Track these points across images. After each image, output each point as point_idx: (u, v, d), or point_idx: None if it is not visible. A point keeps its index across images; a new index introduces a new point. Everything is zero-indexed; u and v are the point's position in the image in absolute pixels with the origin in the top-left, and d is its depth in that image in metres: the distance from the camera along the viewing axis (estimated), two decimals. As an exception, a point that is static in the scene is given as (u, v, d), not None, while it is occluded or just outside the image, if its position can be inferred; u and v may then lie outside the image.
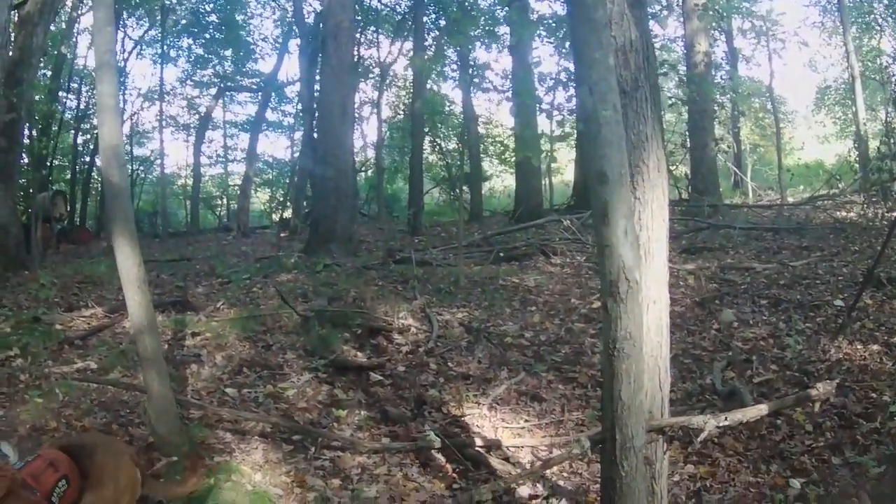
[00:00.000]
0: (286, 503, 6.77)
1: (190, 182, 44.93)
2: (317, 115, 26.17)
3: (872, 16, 37.08)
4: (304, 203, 32.42)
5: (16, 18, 22.75)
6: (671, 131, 37.22)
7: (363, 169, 44.23)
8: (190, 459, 7.31)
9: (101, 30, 7.50)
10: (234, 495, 6.74)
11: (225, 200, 48.74)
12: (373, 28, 38.20)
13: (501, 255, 16.61)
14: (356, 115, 36.88)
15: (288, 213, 36.08)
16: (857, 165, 28.09)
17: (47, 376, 9.92)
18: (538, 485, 7.03)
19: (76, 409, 8.81)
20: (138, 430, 8.21)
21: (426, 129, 34.73)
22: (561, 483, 7.09)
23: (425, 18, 33.45)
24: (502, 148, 39.50)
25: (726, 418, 4.98)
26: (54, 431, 8.25)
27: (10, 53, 21.46)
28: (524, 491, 6.97)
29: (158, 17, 39.71)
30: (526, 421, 8.58)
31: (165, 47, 41.51)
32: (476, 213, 31.65)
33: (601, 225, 4.49)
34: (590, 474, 7.13)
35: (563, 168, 43.76)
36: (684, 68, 30.16)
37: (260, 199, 46.81)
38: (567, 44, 28.72)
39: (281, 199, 42.71)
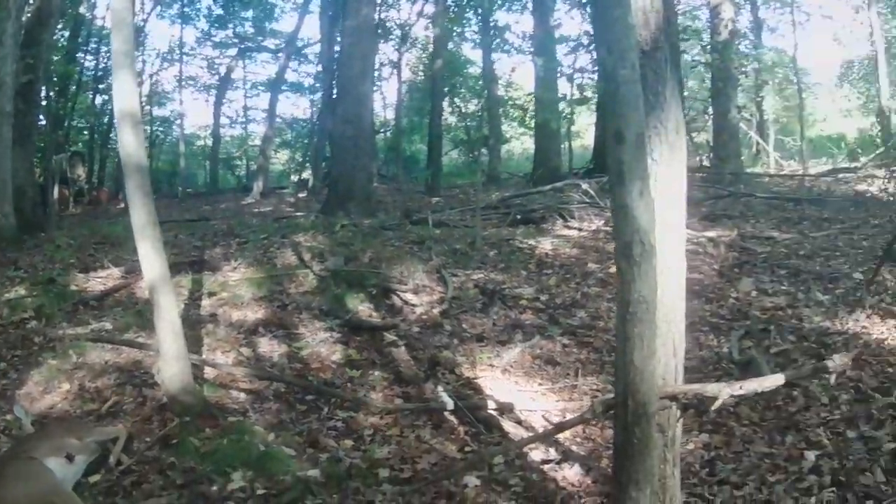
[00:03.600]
0: (299, 463, 6.78)
1: (209, 143, 44.92)
2: (337, 75, 26.07)
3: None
4: (323, 164, 32.35)
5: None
6: (694, 98, 37.10)
7: (382, 130, 44.11)
8: (204, 419, 7.33)
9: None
10: (247, 455, 6.75)
11: (244, 161, 48.71)
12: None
13: (518, 217, 16.53)
14: (376, 75, 36.68)
15: (307, 174, 36.03)
16: (879, 140, 27.96)
17: (61, 338, 9.99)
18: (551, 449, 7.00)
19: (90, 371, 8.84)
20: (151, 391, 8.25)
21: (446, 90, 34.59)
22: (574, 448, 7.06)
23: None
24: (522, 111, 39.39)
25: (741, 387, 4.91)
26: (67, 393, 8.34)
27: (28, 15, 21.47)
28: (536, 455, 6.95)
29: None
30: (540, 385, 8.55)
31: (185, 7, 41.43)
32: (494, 175, 31.59)
33: (617, 185, 4.43)
34: (603, 440, 7.09)
35: (584, 132, 43.65)
36: (708, 36, 30.02)
37: (279, 159, 46.79)
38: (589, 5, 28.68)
39: (300, 159, 42.63)
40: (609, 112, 4.55)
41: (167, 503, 6.18)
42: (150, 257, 7.33)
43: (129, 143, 7.32)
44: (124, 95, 7.42)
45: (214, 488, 6.36)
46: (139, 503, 6.23)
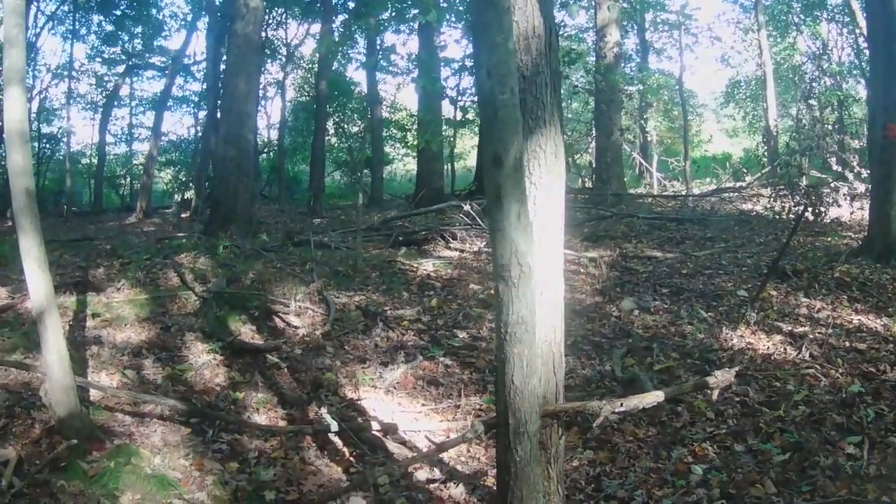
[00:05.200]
0: (185, 487, 6.75)
1: (95, 161, 44.41)
2: (221, 93, 25.97)
3: (790, 14, 37.60)
4: (206, 183, 32.17)
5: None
6: (577, 120, 37.71)
7: (265, 150, 44.05)
8: (91, 442, 7.28)
9: (9, 6, 7.42)
10: (133, 479, 6.69)
11: (129, 180, 48.20)
12: (281, 9, 37.93)
13: (401, 239, 16.62)
14: (260, 95, 36.65)
15: (190, 194, 35.78)
16: (765, 159, 28.64)
17: (-56, 357, 9.79)
18: (436, 469, 7.09)
19: (-23, 392, 8.70)
20: (40, 413, 8.14)
21: (330, 111, 34.70)
22: (458, 467, 7.15)
23: (334, 0, 33.10)
24: (405, 132, 39.65)
25: (622, 404, 5.01)
26: None
27: None
28: (422, 475, 7.03)
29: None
30: (423, 405, 8.63)
31: (76, 23, 41.04)
32: (377, 196, 31.82)
33: (494, 209, 4.52)
34: (487, 459, 7.20)
35: (467, 154, 44.02)
36: (593, 58, 30.41)
37: (163, 178, 46.35)
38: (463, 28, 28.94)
39: (184, 178, 42.35)
40: (487, 136, 4.64)
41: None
42: (37, 278, 7.25)
43: (17, 164, 7.23)
44: (14, 114, 7.34)
45: (104, 510, 6.28)
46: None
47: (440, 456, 7.15)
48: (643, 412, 6.85)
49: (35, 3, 37.19)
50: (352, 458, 7.38)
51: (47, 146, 43.34)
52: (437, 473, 7.02)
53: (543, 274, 4.91)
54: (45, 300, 7.26)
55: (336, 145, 41.83)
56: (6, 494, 6.47)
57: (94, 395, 8.53)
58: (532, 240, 4.56)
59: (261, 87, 35.01)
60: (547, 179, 5.14)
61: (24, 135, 7.36)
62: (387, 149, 40.69)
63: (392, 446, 7.61)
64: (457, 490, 6.82)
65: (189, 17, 41.26)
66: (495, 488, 5.82)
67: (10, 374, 9.11)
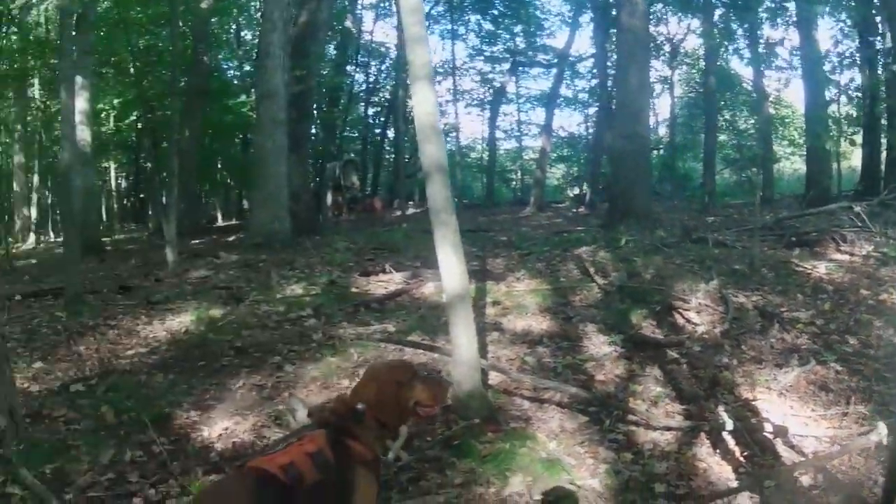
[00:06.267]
0: (578, 473, 6.81)
1: (484, 155, 45.64)
2: (613, 90, 26.13)
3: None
4: (600, 179, 32.44)
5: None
6: None
7: (657, 147, 43.93)
8: (488, 424, 7.51)
9: (408, 5, 7.76)
10: (527, 461, 6.84)
11: (519, 174, 49.26)
12: (661, 4, 37.72)
13: (793, 239, 16.20)
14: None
15: (583, 189, 36.16)
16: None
17: (341, 337, 10.40)
18: (819, 475, 6.89)
19: (371, 370, 9.15)
20: (437, 393, 8.49)
21: (719, 106, 34.20)
22: (839, 476, 6.92)
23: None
24: (793, 130, 38.66)
25: None
26: (346, 390, 8.49)
27: (294, 28, 22.42)
28: (805, 480, 6.86)
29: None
30: (813, 410, 8.37)
31: (454, 23, 42.33)
32: (767, 195, 31.02)
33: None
34: (865, 470, 6.91)
35: (850, 153, 42.33)
36: None
37: (554, 173, 47.10)
38: (849, 22, 27.86)
39: (576, 174, 42.84)
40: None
41: (444, 501, 6.35)
42: (451, 262, 7.56)
43: (432, 155, 7.57)
44: (425, 108, 7.67)
45: (492, 490, 6.49)
46: (415, 499, 6.44)
47: (824, 464, 6.97)
48: None
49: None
50: (742, 458, 7.22)
51: (435, 141, 45.20)
52: (819, 480, 6.82)
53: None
54: (458, 284, 7.59)
55: (725, 142, 41.25)
56: (392, 466, 6.78)
57: (493, 379, 8.81)
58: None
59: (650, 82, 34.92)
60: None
61: (437, 127, 7.68)
62: (774, 147, 39.66)
63: (781, 449, 7.46)
64: (835, 499, 6.63)
65: (571, 14, 41.62)
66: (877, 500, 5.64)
67: (405, 354, 9.63)
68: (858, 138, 30.34)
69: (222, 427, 7.99)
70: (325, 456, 4.02)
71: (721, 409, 7.99)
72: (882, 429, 5.30)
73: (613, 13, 27.10)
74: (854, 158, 40.70)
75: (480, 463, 6.86)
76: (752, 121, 41.50)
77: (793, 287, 12.41)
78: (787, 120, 42.33)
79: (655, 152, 43.00)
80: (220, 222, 40.57)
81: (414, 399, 4.30)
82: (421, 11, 8.09)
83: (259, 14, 34.46)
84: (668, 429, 7.73)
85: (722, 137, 40.44)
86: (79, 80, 21.39)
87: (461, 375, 7.63)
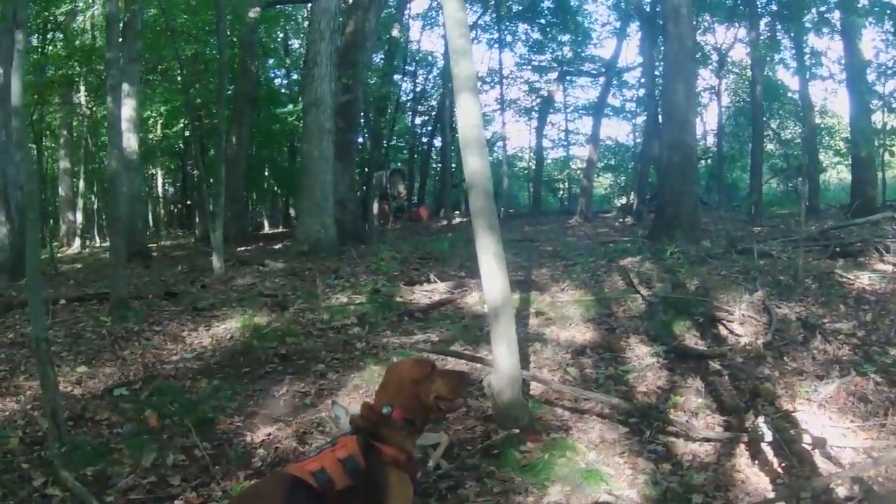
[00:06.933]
0: (617, 483, 6.81)
1: (532, 164, 45.72)
2: (660, 100, 26.10)
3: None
4: (647, 189, 32.40)
5: (345, 5, 23.94)
6: None
7: (705, 157, 43.80)
8: (528, 433, 7.54)
9: (452, 18, 7.81)
10: (566, 471, 6.87)
11: (566, 184, 49.31)
12: (707, 14, 37.66)
13: (837, 250, 16.12)
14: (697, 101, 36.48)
15: (630, 199, 36.14)
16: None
17: (385, 345, 10.54)
18: (855, 487, 6.87)
19: (413, 380, 9.22)
20: (477, 402, 8.54)
21: (766, 117, 34.07)
22: (875, 488, 6.89)
23: (758, 3, 32.46)
24: (839, 140, 38.48)
25: None
26: None
27: (342, 38, 22.57)
28: (841, 491, 6.83)
29: (492, 3, 40.75)
30: (851, 422, 8.33)
31: (501, 33, 42.45)
32: (812, 205, 30.74)
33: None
34: None
35: (893, 162, 41.97)
36: None
37: (601, 183, 47.11)
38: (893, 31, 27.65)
39: (623, 184, 42.83)
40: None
41: (482, 509, 6.36)
42: (493, 273, 7.62)
43: (475, 166, 7.62)
44: (468, 120, 7.72)
45: (530, 499, 6.52)
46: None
47: (861, 475, 6.94)
48: None
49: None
50: (780, 469, 7.20)
51: (486, 150, 45.39)
52: (855, 491, 6.80)
53: None
54: (500, 294, 7.65)
55: (772, 152, 41.10)
56: (431, 475, 6.87)
57: (534, 389, 8.88)
58: None
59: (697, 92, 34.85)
60: None
61: (480, 139, 7.75)
62: (819, 156, 39.46)
63: (819, 460, 7.44)
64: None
65: (618, 25, 41.70)
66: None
67: (448, 363, 9.65)
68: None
69: (265, 433, 8.11)
70: (356, 461, 4.09)
71: (761, 420, 7.96)
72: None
73: (660, 23, 27.02)
74: (896, 168, 40.54)
75: (519, 472, 6.89)
76: (799, 130, 41.40)
77: (835, 298, 12.36)
78: (833, 130, 42.14)
79: (703, 162, 42.93)
80: (266, 230, 40.77)
81: (434, 393, 4.35)
82: (465, 24, 8.16)
83: (307, 23, 34.66)
84: (708, 440, 7.73)
85: (769, 147, 40.35)
86: (125, 87, 21.67)
87: (502, 385, 7.65)
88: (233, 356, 10.69)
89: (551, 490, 6.62)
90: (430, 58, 47.10)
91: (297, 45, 42.73)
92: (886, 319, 11.33)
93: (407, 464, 4.24)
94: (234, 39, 31.75)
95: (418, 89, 46.48)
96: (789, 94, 40.02)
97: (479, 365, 9.38)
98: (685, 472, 7.14)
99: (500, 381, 7.69)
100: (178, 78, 29.37)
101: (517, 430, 7.48)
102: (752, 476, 7.09)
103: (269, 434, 8.07)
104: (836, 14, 28.12)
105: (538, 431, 7.71)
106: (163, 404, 8.77)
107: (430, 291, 13.88)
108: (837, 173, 46.31)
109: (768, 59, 34.75)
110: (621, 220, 31.47)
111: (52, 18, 30.95)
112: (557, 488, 6.65)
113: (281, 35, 42.54)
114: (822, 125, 40.52)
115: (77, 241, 36.48)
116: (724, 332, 11.08)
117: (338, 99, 21.69)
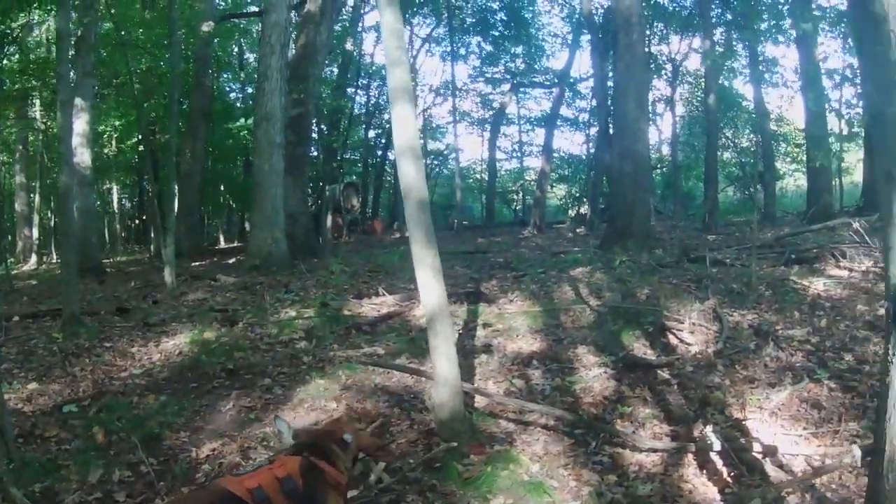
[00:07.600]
0: (561, 495, 6.82)
1: (485, 176, 45.84)
2: (612, 110, 26.21)
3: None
4: (600, 199, 32.53)
5: (297, 18, 23.94)
6: None
7: (659, 166, 44.01)
8: (471, 446, 7.52)
9: (389, 28, 7.81)
10: (508, 483, 6.86)
11: (520, 195, 49.45)
12: (661, 24, 37.89)
13: (793, 256, 16.19)
14: (651, 111, 36.68)
15: (584, 209, 36.26)
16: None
17: (331, 359, 10.51)
18: (807, 495, 6.88)
19: (358, 392, 9.28)
20: (420, 416, 8.54)
21: (721, 125, 34.30)
22: (828, 495, 6.90)
23: (712, 13, 32.64)
24: (795, 147, 38.77)
25: None
26: (333, 412, 8.77)
27: (293, 51, 22.57)
28: (793, 500, 6.84)
29: (445, 16, 40.88)
30: (804, 429, 8.34)
31: (454, 45, 42.58)
32: (769, 213, 30.92)
33: (887, 226, 4.36)
34: (856, 488, 6.87)
35: (853, 168, 42.26)
36: None
37: (556, 194, 47.22)
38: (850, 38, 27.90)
39: (576, 194, 42.96)
40: (878, 151, 4.49)
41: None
42: (430, 285, 7.59)
43: (409, 176, 7.63)
44: (403, 129, 7.72)
45: (472, 512, 6.48)
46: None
47: (812, 482, 6.96)
48: None
49: (409, 27, 39.01)
50: (729, 479, 7.20)
51: (435, 162, 45.20)
52: (807, 499, 6.82)
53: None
54: (436, 306, 7.61)
55: (728, 160, 41.38)
56: (373, 489, 6.85)
57: (478, 401, 8.86)
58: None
59: (650, 102, 35.03)
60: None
61: (415, 148, 7.77)
62: (776, 164, 39.72)
63: (769, 469, 7.44)
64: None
65: (570, 37, 41.92)
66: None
67: (393, 376, 9.73)
68: (856, 155, 30.34)
69: (210, 448, 8.09)
70: (294, 482, 4.05)
71: (709, 429, 7.98)
72: (857, 451, 5.29)
73: (611, 33, 27.17)
74: (857, 174, 40.76)
75: (462, 485, 6.87)
76: (749, 138, 41.71)
77: (790, 304, 12.41)
78: (789, 137, 42.43)
79: (658, 171, 43.10)
80: (222, 244, 40.68)
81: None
82: (402, 35, 8.18)
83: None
84: (655, 450, 7.73)
85: (725, 155, 40.63)
86: (78, 101, 21.57)
87: (443, 398, 7.64)
88: (181, 371, 10.63)
89: (494, 503, 6.61)
90: (383, 71, 46.28)
91: (252, 59, 42.61)
92: (841, 325, 11.38)
93: (344, 488, 4.24)
94: (189, 53, 31.67)
95: (372, 102, 46.53)
96: (744, 104, 40.39)
97: (424, 378, 9.37)
98: (631, 483, 7.13)
99: (440, 394, 7.67)
100: (134, 92, 29.24)
101: (455, 444, 7.47)
102: (701, 486, 7.10)
103: (214, 449, 8.05)
104: (790, 22, 28.40)
105: (481, 444, 7.70)
106: (111, 420, 8.72)
107: (379, 304, 13.85)
108: (795, 180, 46.64)
109: (724, 67, 34.97)
110: (575, 230, 31.55)
111: (7, 32, 30.71)
112: (500, 501, 6.64)
113: (236, 49, 42.43)
114: (779, 132, 40.76)
115: (34, 257, 36.32)
116: (674, 341, 11.09)
117: (288, 112, 21.72)
